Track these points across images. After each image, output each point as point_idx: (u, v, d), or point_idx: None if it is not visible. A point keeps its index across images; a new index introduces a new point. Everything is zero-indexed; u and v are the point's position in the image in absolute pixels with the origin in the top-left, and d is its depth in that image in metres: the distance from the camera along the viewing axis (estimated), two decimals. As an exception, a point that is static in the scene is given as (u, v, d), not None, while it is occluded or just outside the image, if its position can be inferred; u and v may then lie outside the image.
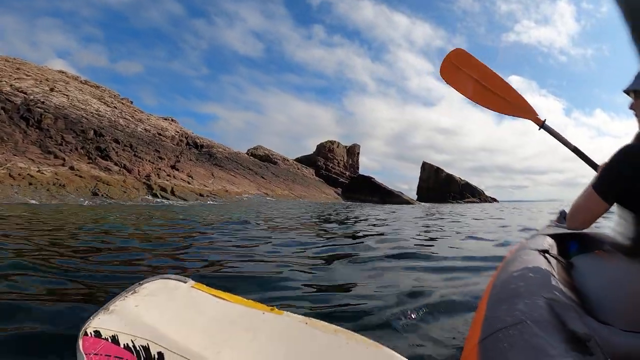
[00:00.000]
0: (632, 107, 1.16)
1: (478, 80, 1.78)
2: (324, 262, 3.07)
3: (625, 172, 0.98)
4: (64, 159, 18.74)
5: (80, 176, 17.33)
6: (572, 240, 1.43)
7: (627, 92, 1.18)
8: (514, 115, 1.71)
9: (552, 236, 1.62)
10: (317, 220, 8.58)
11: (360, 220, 8.79)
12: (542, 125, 1.60)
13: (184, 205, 16.52)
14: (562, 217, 2.32)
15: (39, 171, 16.55)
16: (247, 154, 56.40)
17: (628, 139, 1.08)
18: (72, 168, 17.96)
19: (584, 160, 1.47)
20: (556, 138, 1.56)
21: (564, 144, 1.55)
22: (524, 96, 1.74)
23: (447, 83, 1.87)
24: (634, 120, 1.14)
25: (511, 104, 1.72)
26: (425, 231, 6.01)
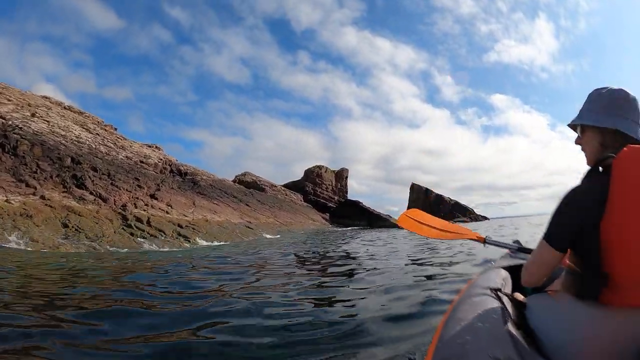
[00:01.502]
0: (578, 142, 1.17)
1: (426, 224, 2.21)
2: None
3: (572, 217, 0.97)
4: (35, 188, 18.17)
5: (51, 206, 16.74)
6: None
7: (572, 126, 1.18)
8: (460, 238, 1.98)
9: (507, 269, 1.64)
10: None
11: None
12: (484, 241, 1.77)
13: (166, 252, 15.93)
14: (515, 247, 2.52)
15: (7, 200, 15.94)
16: (235, 181, 56.08)
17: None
18: (42, 197, 17.39)
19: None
20: (501, 246, 1.73)
21: (508, 249, 1.73)
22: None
23: (404, 228, 2.34)
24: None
25: (456, 233, 2.01)
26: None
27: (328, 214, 59.47)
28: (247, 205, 39.03)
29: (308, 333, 2.47)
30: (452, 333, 0.90)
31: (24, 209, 15.44)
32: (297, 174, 73.64)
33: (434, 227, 2.17)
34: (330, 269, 6.39)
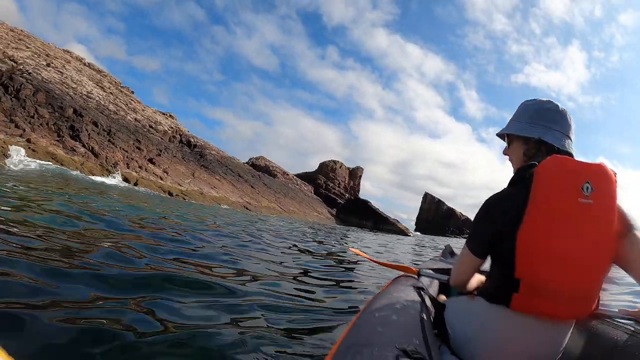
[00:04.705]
0: (505, 152, 1.17)
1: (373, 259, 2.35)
2: None
3: (490, 223, 0.96)
4: (24, 130, 17.59)
5: (33, 150, 16.09)
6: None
7: (500, 136, 1.19)
8: (396, 269, 1.95)
9: (435, 271, 1.69)
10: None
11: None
12: (417, 273, 1.70)
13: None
14: (447, 252, 3.10)
15: (-12, 138, 15.36)
16: (248, 163, 55.46)
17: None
18: (28, 140, 16.77)
19: None
20: (434, 277, 1.65)
21: (440, 279, 1.64)
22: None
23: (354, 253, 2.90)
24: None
25: (394, 265, 2.08)
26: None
27: (335, 209, 58.11)
28: (252, 186, 38.07)
29: None
30: (365, 322, 0.87)
31: (2, 147, 14.80)
32: (313, 166, 72.57)
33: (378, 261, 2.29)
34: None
